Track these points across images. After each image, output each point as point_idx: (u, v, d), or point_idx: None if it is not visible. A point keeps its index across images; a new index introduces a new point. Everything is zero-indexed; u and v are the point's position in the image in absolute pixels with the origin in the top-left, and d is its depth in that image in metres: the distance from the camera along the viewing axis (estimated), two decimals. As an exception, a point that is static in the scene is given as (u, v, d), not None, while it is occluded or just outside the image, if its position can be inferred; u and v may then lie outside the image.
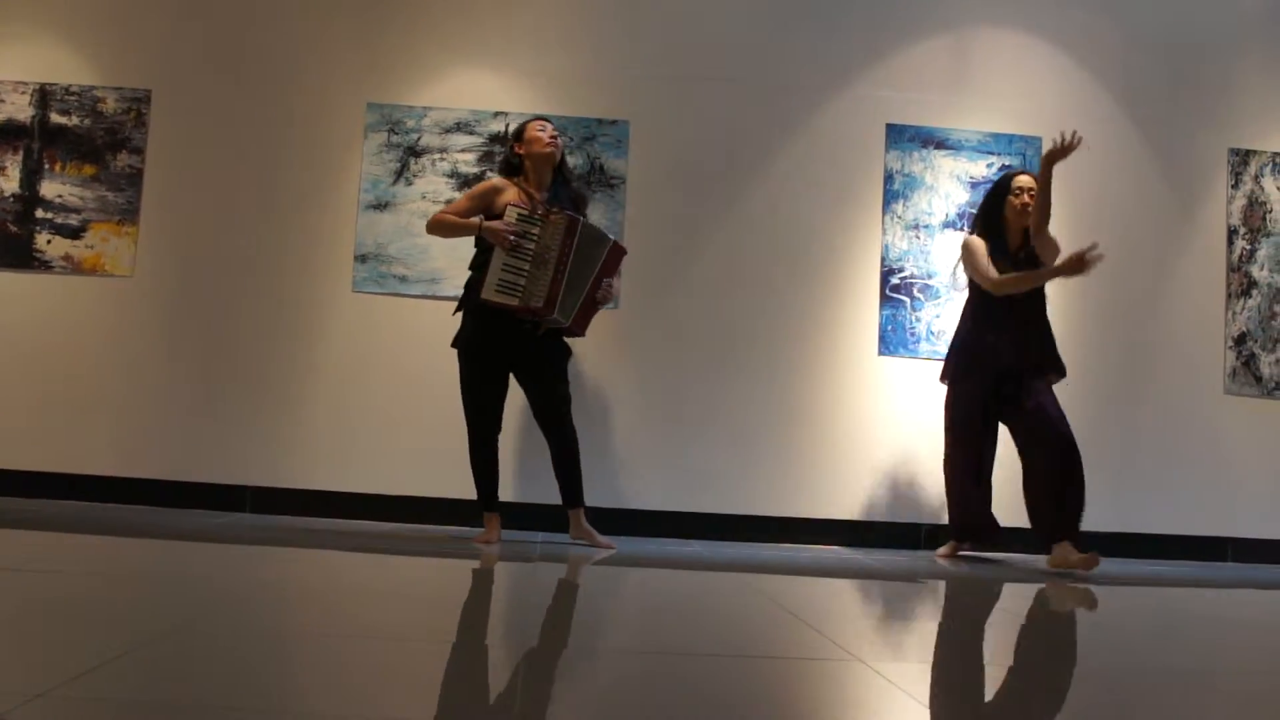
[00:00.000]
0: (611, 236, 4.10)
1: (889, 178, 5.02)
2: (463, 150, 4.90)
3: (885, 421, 4.93)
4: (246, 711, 1.50)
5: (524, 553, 3.92)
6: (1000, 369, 4.34)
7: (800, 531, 4.84)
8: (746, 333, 4.94)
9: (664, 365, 4.91)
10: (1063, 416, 4.23)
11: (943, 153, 5.05)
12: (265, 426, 4.81)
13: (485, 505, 4.12)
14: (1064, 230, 4.98)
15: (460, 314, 4.10)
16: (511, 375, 4.15)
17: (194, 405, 4.81)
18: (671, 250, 4.95)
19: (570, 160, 4.85)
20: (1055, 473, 4.16)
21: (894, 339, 4.95)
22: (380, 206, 4.87)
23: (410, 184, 4.88)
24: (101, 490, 4.72)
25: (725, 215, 4.98)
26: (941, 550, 4.62)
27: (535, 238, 3.91)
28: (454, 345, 4.09)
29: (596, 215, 4.84)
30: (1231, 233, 5.19)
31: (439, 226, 4.06)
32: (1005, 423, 4.45)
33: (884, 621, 3.02)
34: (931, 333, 4.96)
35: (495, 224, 3.92)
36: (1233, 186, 5.20)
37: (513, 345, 4.03)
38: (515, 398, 4.23)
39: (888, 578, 3.85)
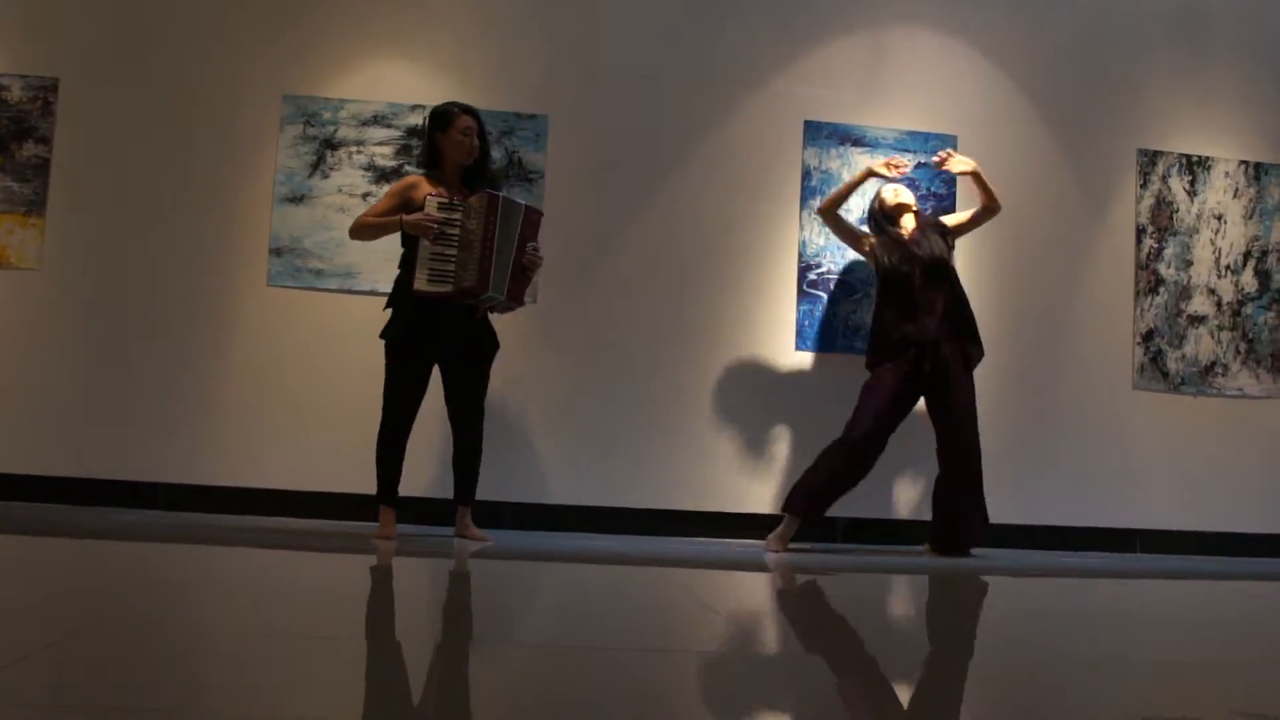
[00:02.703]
0: (522, 201, 4.07)
1: (806, 174, 5.07)
2: (380, 143, 4.85)
3: (802, 416, 4.97)
4: (150, 713, 1.47)
5: (425, 548, 3.90)
6: (922, 346, 4.50)
7: (717, 526, 4.86)
8: (664, 327, 4.95)
9: (581, 360, 4.91)
10: (975, 425, 4.56)
11: (860, 150, 5.10)
12: (178, 422, 4.73)
13: (384, 499, 4.08)
14: (981, 227, 5.06)
15: (391, 309, 4.05)
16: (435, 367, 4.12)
17: (104, 401, 4.71)
18: (589, 245, 4.96)
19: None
20: (961, 485, 4.51)
21: (811, 334, 5.00)
22: (296, 200, 4.81)
23: (326, 177, 4.83)
24: (8, 488, 4.61)
25: (643, 210, 4.99)
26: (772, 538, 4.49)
27: (458, 224, 3.89)
28: (382, 336, 4.04)
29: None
30: (1140, 231, 5.31)
31: (362, 230, 4.05)
32: (932, 418, 4.62)
33: (798, 614, 3.05)
34: (848, 328, 5.01)
35: (416, 216, 3.90)
36: (1141, 186, 5.32)
37: (444, 338, 4.00)
38: (436, 393, 4.19)
39: (802, 571, 3.88)
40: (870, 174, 4.67)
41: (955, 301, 4.57)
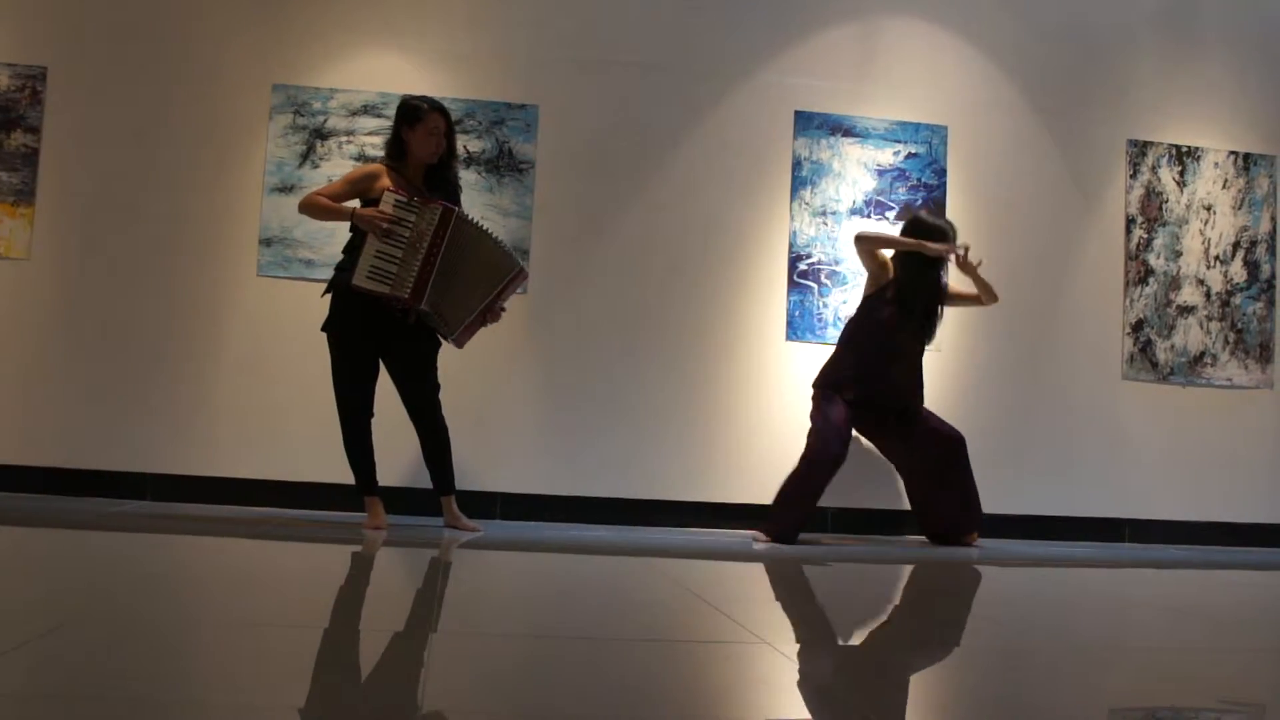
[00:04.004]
0: (520, 262, 4.02)
1: (797, 164, 5.07)
2: (370, 133, 4.84)
3: (793, 406, 4.97)
4: (137, 702, 1.47)
5: (413, 538, 3.90)
6: (874, 392, 4.49)
7: (707, 516, 4.87)
8: (654, 318, 4.95)
9: (571, 351, 4.90)
10: (943, 422, 4.60)
11: (850, 140, 5.10)
12: (167, 412, 4.72)
13: (364, 489, 4.06)
14: (970, 218, 5.07)
15: (329, 296, 3.99)
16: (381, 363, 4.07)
17: (93, 391, 4.70)
18: (579, 235, 4.95)
19: (477, 145, 4.84)
20: (951, 467, 4.53)
21: (801, 324, 5.00)
22: (286, 189, 4.80)
23: (317, 167, 4.82)
24: (-5, 478, 4.61)
25: (634, 201, 4.99)
26: (759, 533, 4.46)
27: (410, 225, 3.82)
28: (324, 329, 3.99)
29: (506, 199, 4.84)
30: (1130, 222, 5.32)
31: (310, 208, 3.95)
32: (882, 443, 4.68)
33: (789, 604, 3.05)
34: (838, 318, 5.01)
35: (369, 211, 3.82)
36: (1131, 177, 5.33)
37: (382, 332, 3.94)
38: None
39: (793, 560, 3.89)
40: (922, 249, 4.44)
41: (914, 369, 4.59)
